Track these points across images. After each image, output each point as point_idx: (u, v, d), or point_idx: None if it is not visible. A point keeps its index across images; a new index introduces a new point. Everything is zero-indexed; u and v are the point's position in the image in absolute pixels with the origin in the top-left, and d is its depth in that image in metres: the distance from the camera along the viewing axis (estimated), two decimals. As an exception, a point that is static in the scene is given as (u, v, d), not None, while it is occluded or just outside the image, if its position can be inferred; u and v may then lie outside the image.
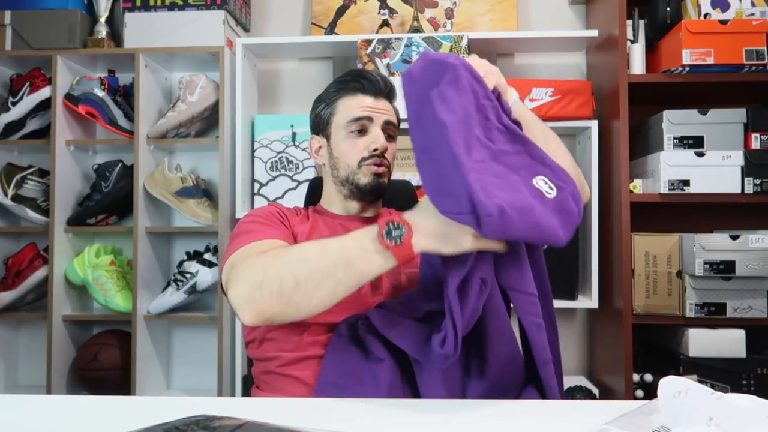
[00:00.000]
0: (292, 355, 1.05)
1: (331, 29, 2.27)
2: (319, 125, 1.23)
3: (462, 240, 0.85)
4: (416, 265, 1.03)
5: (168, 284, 2.13)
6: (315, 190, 1.38)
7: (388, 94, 1.22)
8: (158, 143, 2.16)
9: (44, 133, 2.20)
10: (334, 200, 1.23)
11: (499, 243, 0.88)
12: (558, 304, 1.97)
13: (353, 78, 1.20)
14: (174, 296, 2.08)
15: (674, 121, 1.88)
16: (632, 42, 1.97)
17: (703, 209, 2.08)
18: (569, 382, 2.00)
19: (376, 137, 1.17)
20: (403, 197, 1.37)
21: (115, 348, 2.09)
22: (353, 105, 1.18)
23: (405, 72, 0.93)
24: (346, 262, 0.86)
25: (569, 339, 2.24)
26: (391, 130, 1.21)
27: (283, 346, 1.06)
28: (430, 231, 0.86)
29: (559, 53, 2.28)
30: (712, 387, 0.64)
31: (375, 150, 1.16)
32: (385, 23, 2.26)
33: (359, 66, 2.02)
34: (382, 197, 1.23)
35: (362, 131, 1.18)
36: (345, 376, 0.97)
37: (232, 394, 2.05)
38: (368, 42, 2.02)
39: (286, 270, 0.87)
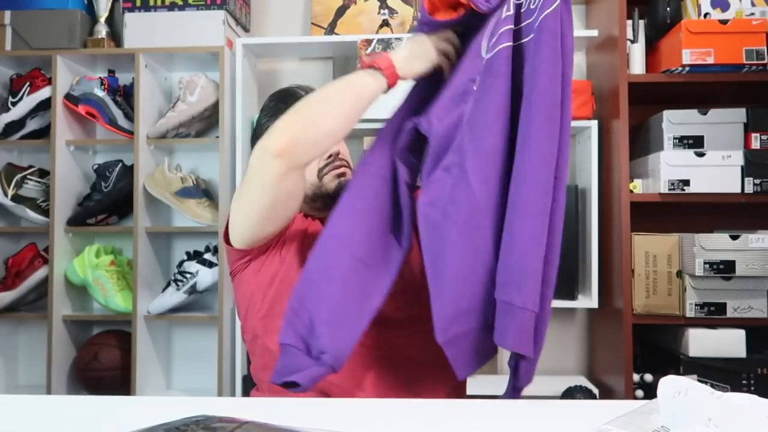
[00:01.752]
0: None
1: (331, 29, 2.27)
2: None
3: (425, 57, 1.02)
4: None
5: (168, 284, 2.13)
6: None
7: None
8: (158, 143, 2.16)
9: (44, 133, 2.20)
10: (313, 214, 1.21)
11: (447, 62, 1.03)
12: (558, 304, 1.98)
13: (278, 101, 1.21)
14: (174, 296, 2.08)
15: (674, 121, 1.88)
16: (632, 42, 1.97)
17: (703, 209, 2.08)
18: (569, 382, 2.00)
19: None
20: None
21: (115, 348, 2.09)
22: None
23: None
24: (345, 83, 1.01)
25: (569, 339, 2.24)
26: None
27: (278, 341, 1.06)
28: (403, 53, 1.02)
29: (559, 53, 2.28)
30: (712, 387, 0.63)
31: (329, 157, 1.16)
32: (385, 23, 2.26)
33: (359, 66, 2.02)
34: None
35: None
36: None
37: (232, 394, 2.05)
38: (368, 42, 2.02)
39: (294, 115, 0.97)
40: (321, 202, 1.18)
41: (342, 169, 1.17)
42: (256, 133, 1.25)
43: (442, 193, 0.93)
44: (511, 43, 0.92)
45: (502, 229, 0.89)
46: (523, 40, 0.93)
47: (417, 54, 1.02)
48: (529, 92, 0.88)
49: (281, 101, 1.20)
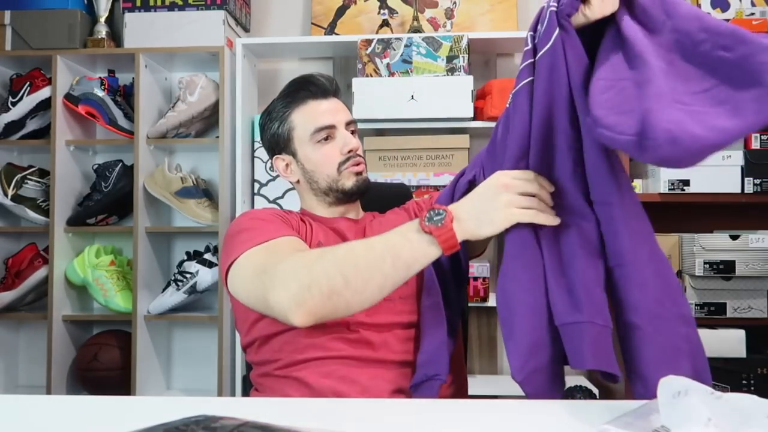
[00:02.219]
0: (291, 357, 1.04)
1: (331, 29, 2.27)
2: (279, 144, 1.19)
3: (495, 215, 0.88)
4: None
5: (168, 284, 2.13)
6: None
7: (335, 91, 1.19)
8: (158, 143, 2.16)
9: (44, 133, 2.20)
10: (317, 208, 1.21)
11: (546, 215, 0.88)
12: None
13: (299, 87, 1.17)
14: (174, 296, 2.08)
15: (674, 121, 1.88)
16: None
17: (703, 209, 2.08)
18: (569, 382, 2.00)
19: (346, 139, 1.15)
20: (397, 199, 1.34)
21: (115, 348, 2.09)
22: (309, 114, 1.15)
23: None
24: (393, 255, 0.88)
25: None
26: (352, 127, 1.19)
27: (283, 347, 1.05)
28: (468, 213, 0.89)
29: (559, 53, 2.28)
30: (713, 387, 0.63)
31: (350, 152, 1.15)
32: (385, 23, 2.26)
33: (359, 66, 2.02)
34: (364, 195, 1.21)
35: (328, 138, 1.15)
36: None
37: (232, 394, 2.05)
38: (368, 42, 2.02)
39: (334, 269, 0.88)
40: (333, 197, 1.17)
41: (361, 167, 1.16)
42: (272, 143, 1.21)
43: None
44: (532, 78, 0.90)
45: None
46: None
47: (485, 215, 0.88)
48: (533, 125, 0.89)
49: (288, 97, 1.18)
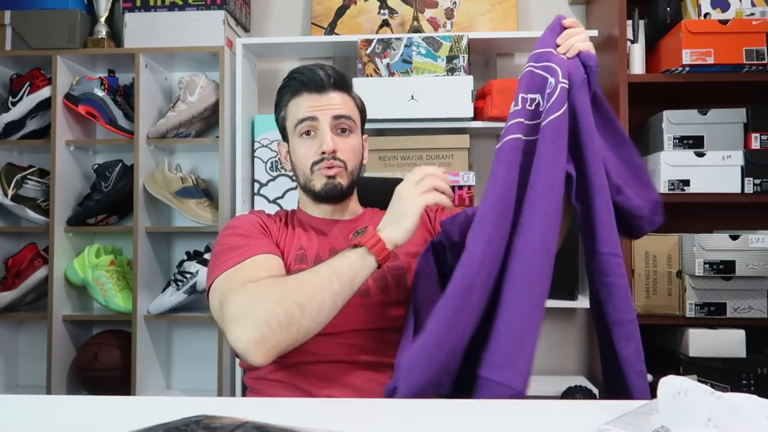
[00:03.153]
0: (285, 361, 1.03)
1: (331, 29, 2.27)
2: (281, 130, 1.21)
3: (409, 210, 0.97)
4: (398, 262, 1.10)
5: (168, 284, 2.13)
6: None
7: (336, 85, 1.14)
8: (158, 143, 2.16)
9: (44, 133, 2.20)
10: (306, 205, 1.21)
11: (441, 195, 0.99)
12: (558, 304, 1.98)
13: (293, 77, 1.15)
14: (174, 296, 2.08)
15: (674, 121, 1.88)
16: (632, 42, 1.97)
17: (703, 209, 2.08)
18: (569, 382, 2.00)
19: (322, 139, 1.11)
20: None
21: (115, 348, 2.09)
22: (298, 106, 1.14)
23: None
24: (337, 274, 0.94)
25: (569, 339, 2.24)
26: (344, 124, 1.14)
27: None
28: (383, 223, 0.99)
29: (559, 53, 2.28)
30: (712, 387, 0.63)
31: (323, 153, 1.11)
32: (385, 23, 2.26)
33: (359, 66, 2.02)
34: (343, 199, 1.18)
35: (309, 132, 1.13)
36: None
37: (232, 394, 2.05)
38: (368, 42, 2.02)
39: (288, 298, 0.91)
40: (309, 195, 1.17)
41: (333, 171, 1.12)
42: (279, 129, 1.22)
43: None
44: (520, 136, 0.98)
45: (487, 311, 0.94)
46: (531, 138, 0.99)
47: (399, 215, 0.98)
48: (531, 181, 0.96)
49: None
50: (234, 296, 0.94)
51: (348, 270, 0.94)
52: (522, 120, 0.99)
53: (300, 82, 1.14)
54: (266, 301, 0.91)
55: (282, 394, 1.03)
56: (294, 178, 1.19)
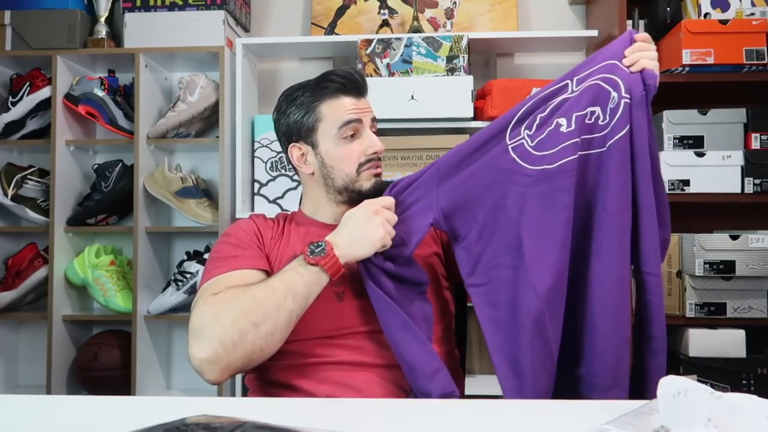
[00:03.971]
0: (285, 364, 1.04)
1: (331, 29, 2.27)
2: (300, 132, 1.15)
3: (372, 236, 0.99)
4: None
5: (168, 284, 2.13)
6: None
7: (366, 90, 1.18)
8: (158, 143, 2.16)
9: (44, 133, 2.20)
10: (322, 208, 1.18)
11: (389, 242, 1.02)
12: (558, 304, 1.97)
13: (331, 79, 1.14)
14: (174, 296, 2.08)
15: (674, 121, 1.88)
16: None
17: (703, 209, 2.08)
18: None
19: (372, 140, 1.13)
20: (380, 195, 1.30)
21: (115, 348, 2.09)
22: (339, 108, 1.12)
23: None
24: (293, 291, 0.95)
25: (569, 339, 2.24)
26: (375, 127, 1.17)
27: (278, 355, 1.02)
28: (345, 239, 1.00)
29: (559, 53, 2.28)
30: (712, 387, 0.63)
31: (374, 153, 1.13)
32: (385, 23, 2.26)
33: (359, 66, 2.02)
34: None
35: (354, 135, 1.13)
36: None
37: (232, 394, 2.05)
38: (368, 42, 2.02)
39: (243, 318, 0.92)
40: (346, 196, 1.14)
41: (380, 170, 1.16)
42: (292, 130, 1.17)
43: (503, 296, 1.01)
44: (575, 157, 0.99)
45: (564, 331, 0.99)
46: (591, 152, 1.01)
47: (360, 238, 1.00)
48: (602, 204, 0.99)
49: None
50: (197, 309, 0.97)
51: (305, 289, 0.96)
52: (576, 140, 0.99)
53: (339, 84, 1.13)
54: (222, 319, 0.92)
55: (283, 396, 1.04)
56: (322, 180, 1.15)
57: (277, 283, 0.96)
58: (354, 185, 1.13)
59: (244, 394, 1.17)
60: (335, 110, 1.13)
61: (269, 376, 1.06)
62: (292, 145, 1.17)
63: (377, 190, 1.14)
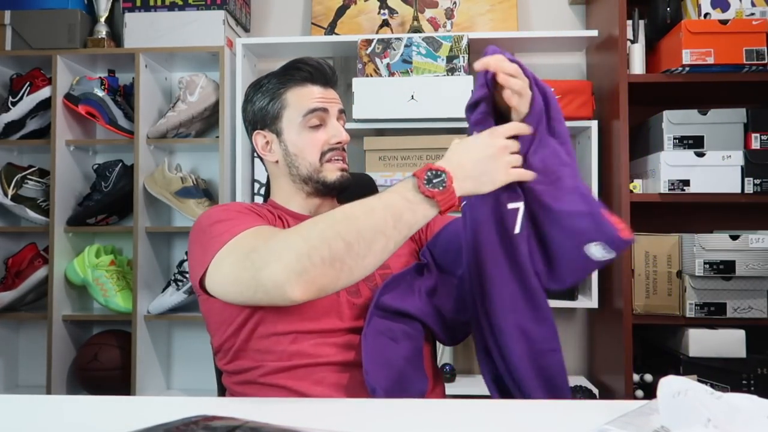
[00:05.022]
0: (277, 364, 1.00)
1: (331, 29, 2.27)
2: (265, 120, 1.13)
3: (497, 175, 0.90)
4: (387, 267, 1.08)
5: (168, 284, 2.13)
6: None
7: (335, 81, 1.15)
8: (158, 143, 2.16)
9: (44, 133, 2.20)
10: (292, 198, 1.15)
11: (529, 172, 0.93)
12: (558, 304, 1.98)
13: (298, 67, 1.12)
14: (174, 296, 2.08)
15: (674, 121, 1.88)
16: (632, 42, 1.97)
17: (703, 209, 2.08)
18: (569, 382, 2.00)
19: (337, 129, 1.11)
20: (364, 191, 1.28)
21: (115, 348, 2.09)
22: (305, 96, 1.11)
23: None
24: (395, 217, 0.86)
25: (569, 339, 2.24)
26: (343, 119, 1.15)
27: (265, 357, 1.01)
28: (468, 173, 0.89)
29: (559, 53, 2.28)
30: (712, 387, 0.63)
31: (338, 143, 1.11)
32: (385, 23, 2.26)
33: (359, 66, 2.02)
34: (342, 193, 1.16)
35: (319, 125, 1.11)
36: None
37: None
38: (368, 42, 2.02)
39: (334, 233, 0.84)
40: (312, 187, 1.12)
41: (344, 164, 1.13)
42: (257, 117, 1.15)
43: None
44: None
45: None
46: None
47: (484, 174, 0.90)
48: None
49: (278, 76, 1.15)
50: (273, 238, 0.87)
51: (409, 216, 0.87)
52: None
53: (307, 72, 1.12)
54: (311, 235, 0.84)
55: (274, 396, 1.00)
56: (287, 169, 1.13)
57: (378, 204, 0.87)
58: (318, 175, 1.11)
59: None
60: (301, 98, 1.11)
61: (258, 377, 1.01)
62: (256, 132, 1.16)
63: (342, 184, 1.12)
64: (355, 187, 1.20)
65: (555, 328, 0.97)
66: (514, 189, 0.94)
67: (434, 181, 0.87)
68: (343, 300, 1.04)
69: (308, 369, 0.99)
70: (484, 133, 0.92)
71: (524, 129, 0.93)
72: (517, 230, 0.94)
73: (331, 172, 1.11)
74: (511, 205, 0.94)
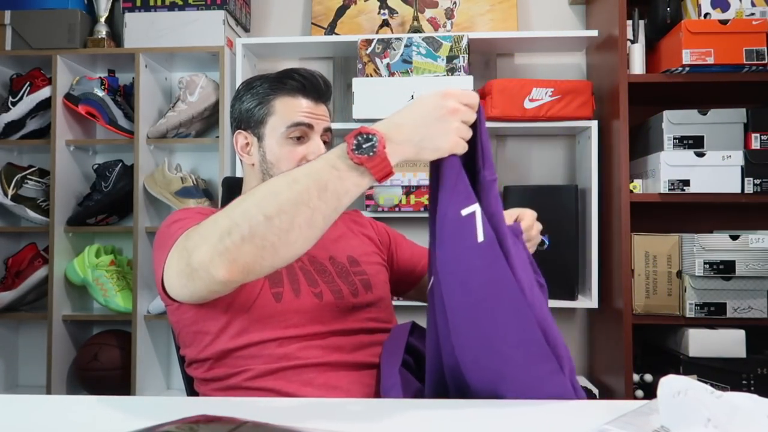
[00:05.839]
0: (265, 367, 0.98)
1: (331, 29, 2.27)
2: (250, 122, 1.13)
3: (440, 142, 0.79)
4: (360, 269, 1.10)
5: (168, 284, 2.13)
6: (233, 190, 1.27)
7: (328, 97, 1.14)
8: (158, 143, 2.16)
9: (44, 133, 2.20)
10: None
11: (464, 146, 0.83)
12: (558, 304, 1.98)
13: (292, 77, 1.10)
14: (174, 296, 2.08)
15: (674, 121, 1.88)
16: (632, 42, 1.97)
17: (703, 209, 2.08)
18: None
19: (318, 147, 1.09)
20: None
21: (115, 348, 2.09)
22: (293, 107, 1.10)
23: None
24: (319, 186, 0.78)
25: (569, 339, 2.24)
26: (328, 137, 1.13)
27: (249, 362, 0.99)
28: (406, 136, 0.79)
29: (559, 53, 2.28)
30: (712, 387, 0.63)
31: (301, 159, 1.08)
32: (385, 23, 2.26)
33: (359, 66, 2.02)
34: None
35: (301, 138, 1.09)
36: None
37: (232, 394, 2.04)
38: (368, 42, 2.02)
39: (255, 209, 0.78)
40: None
41: None
42: (242, 117, 1.14)
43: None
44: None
45: None
46: None
47: (428, 140, 0.79)
48: None
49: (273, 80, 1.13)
50: (200, 226, 0.83)
51: (337, 185, 0.78)
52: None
53: (299, 84, 1.11)
54: (233, 212, 0.79)
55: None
56: (260, 174, 1.12)
57: (301, 175, 0.80)
58: None
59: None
60: (288, 108, 1.10)
61: (243, 381, 1.00)
62: (238, 132, 1.15)
63: None
64: None
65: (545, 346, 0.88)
66: (464, 190, 0.81)
67: (364, 146, 0.78)
68: (330, 303, 1.04)
69: (296, 370, 0.98)
70: (436, 91, 0.81)
71: (473, 99, 0.82)
72: (480, 238, 0.80)
73: None
74: (465, 211, 0.81)
